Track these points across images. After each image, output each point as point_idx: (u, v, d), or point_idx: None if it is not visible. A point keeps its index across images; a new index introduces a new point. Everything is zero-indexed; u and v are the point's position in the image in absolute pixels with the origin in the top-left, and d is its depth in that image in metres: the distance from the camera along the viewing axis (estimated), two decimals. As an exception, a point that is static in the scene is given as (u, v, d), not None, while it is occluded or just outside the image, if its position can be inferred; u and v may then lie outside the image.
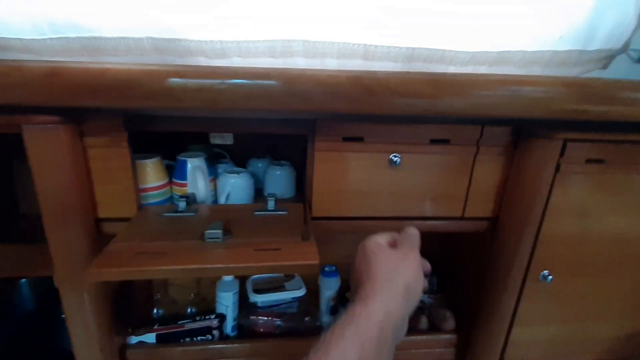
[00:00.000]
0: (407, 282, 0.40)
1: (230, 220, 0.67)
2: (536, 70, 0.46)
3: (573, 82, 0.44)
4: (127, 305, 0.87)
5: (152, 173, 0.74)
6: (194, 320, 0.87)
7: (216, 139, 0.72)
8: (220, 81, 0.40)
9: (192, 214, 0.69)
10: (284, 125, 0.70)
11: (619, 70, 0.54)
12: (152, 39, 0.41)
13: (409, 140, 0.69)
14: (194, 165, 0.75)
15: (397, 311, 0.37)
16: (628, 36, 0.45)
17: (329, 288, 0.93)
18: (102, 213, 0.68)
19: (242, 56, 0.43)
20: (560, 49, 0.43)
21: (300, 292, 0.91)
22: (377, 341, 0.34)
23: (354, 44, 0.41)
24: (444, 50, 0.42)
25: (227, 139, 0.71)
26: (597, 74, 0.53)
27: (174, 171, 0.78)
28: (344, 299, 0.94)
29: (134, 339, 0.83)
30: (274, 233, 0.63)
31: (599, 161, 0.68)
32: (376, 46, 0.41)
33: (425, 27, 0.40)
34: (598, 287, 0.79)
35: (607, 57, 0.49)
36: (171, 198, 0.78)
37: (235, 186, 0.80)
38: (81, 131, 0.62)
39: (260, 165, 0.94)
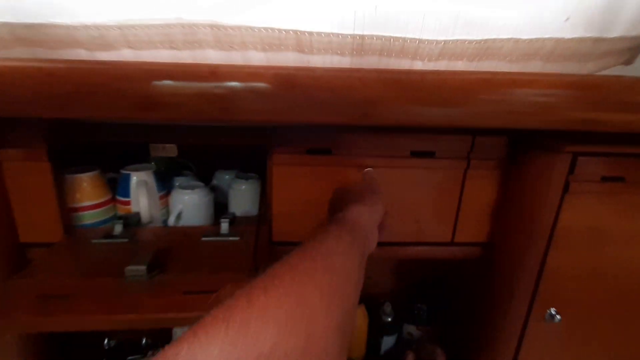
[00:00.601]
0: (362, 194, 0.43)
1: (170, 248, 0.56)
2: (534, 66, 0.35)
3: (584, 81, 0.32)
4: (73, 336, 0.77)
5: (88, 189, 0.64)
6: (145, 355, 0.76)
7: (157, 151, 0.61)
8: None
9: (127, 240, 0.58)
10: (237, 134, 0.59)
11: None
12: (8, 24, 0.31)
13: (386, 153, 0.58)
14: (139, 180, 0.65)
15: (364, 216, 0.38)
16: None
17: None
18: (24, 237, 0.59)
19: (132, 47, 0.32)
20: (567, 36, 0.31)
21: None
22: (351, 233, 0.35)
23: (282, 31, 0.30)
24: (406, 40, 0.31)
25: (170, 151, 0.61)
26: (618, 71, 0.40)
27: (118, 187, 0.67)
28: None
29: (75, 378, 0.73)
30: (216, 267, 0.52)
31: (619, 179, 0.56)
32: (312, 33, 0.30)
33: (380, 7, 0.29)
34: (619, 330, 0.66)
35: (632, 49, 0.37)
36: (114, 218, 0.68)
37: (188, 204, 0.69)
38: (-7, 143, 0.53)
39: (227, 177, 0.83)
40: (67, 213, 0.61)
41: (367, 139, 0.57)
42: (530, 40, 0.32)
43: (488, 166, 0.61)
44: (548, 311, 0.63)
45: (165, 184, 0.72)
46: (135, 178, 0.65)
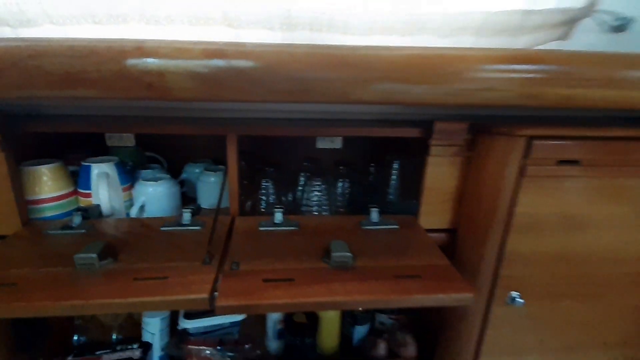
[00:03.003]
0: None
1: (127, 239, 0.55)
2: (465, 41, 0.35)
3: (515, 55, 0.32)
4: (40, 331, 0.75)
5: (48, 181, 0.63)
6: (113, 351, 0.75)
7: (114, 141, 0.61)
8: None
9: (84, 231, 0.57)
10: (196, 124, 0.59)
11: (588, 43, 0.42)
12: None
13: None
14: (100, 172, 0.64)
15: None
16: None
17: (275, 310, 0.81)
18: (-22, 230, 0.57)
19: (54, 23, 0.32)
20: (496, 9, 0.32)
21: (240, 316, 0.80)
22: None
23: (208, 6, 0.30)
24: (333, 15, 0.31)
25: (127, 140, 0.60)
26: (555, 46, 0.41)
27: (79, 179, 0.66)
28: (293, 324, 0.83)
29: (42, 373, 0.71)
30: (171, 255, 0.51)
31: (574, 162, 0.57)
32: (238, 10, 0.30)
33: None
34: (581, 311, 0.67)
35: (566, 23, 0.37)
36: (77, 210, 0.67)
37: (152, 196, 0.68)
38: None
39: (197, 170, 0.83)
40: (25, 205, 0.60)
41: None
42: (460, 15, 0.32)
43: (449, 152, 0.61)
44: (509, 294, 0.63)
45: (129, 176, 0.71)
46: (96, 170, 0.64)
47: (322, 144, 0.63)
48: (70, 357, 0.75)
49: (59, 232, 0.57)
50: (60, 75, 0.29)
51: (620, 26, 0.42)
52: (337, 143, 0.63)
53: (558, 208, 0.59)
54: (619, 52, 0.35)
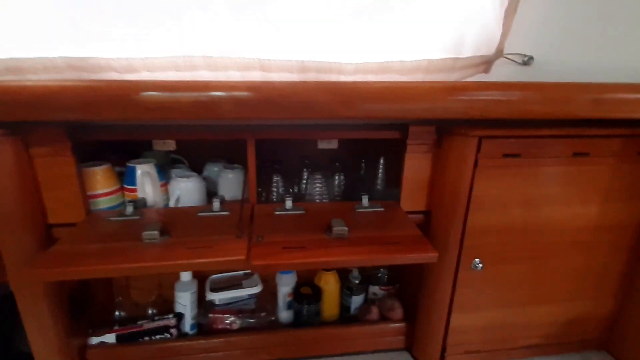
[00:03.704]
0: None
1: (173, 222, 0.71)
2: (419, 77, 0.52)
3: (451, 86, 0.49)
4: (88, 308, 0.90)
5: (101, 180, 0.78)
6: (152, 320, 0.91)
7: (159, 146, 0.76)
8: (137, 93, 0.45)
9: (138, 217, 0.73)
10: (222, 131, 0.75)
11: (509, 73, 0.59)
12: (66, 58, 0.45)
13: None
14: (143, 171, 0.79)
15: None
16: (497, 43, 0.50)
17: (285, 284, 0.97)
18: (52, 219, 0.72)
19: (150, 70, 0.47)
20: (435, 57, 0.48)
21: (257, 289, 0.95)
22: None
23: (250, 58, 0.46)
24: (331, 62, 0.47)
25: (169, 145, 0.76)
26: (483, 77, 0.58)
27: (125, 178, 0.82)
28: (300, 295, 0.98)
29: (94, 340, 0.86)
30: (211, 232, 0.67)
31: (516, 155, 0.74)
32: (270, 60, 0.46)
33: (315, 42, 0.45)
34: (530, 274, 0.85)
35: (484, 63, 0.55)
36: (123, 203, 0.82)
37: (185, 190, 0.84)
38: (26, 142, 0.66)
39: (215, 169, 0.98)
40: (87, 199, 0.75)
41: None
42: (412, 61, 0.48)
43: (421, 149, 0.77)
44: (473, 261, 0.81)
45: (163, 174, 0.87)
46: (140, 170, 0.80)
47: (322, 145, 0.79)
48: (116, 327, 0.90)
49: (119, 218, 0.72)
50: (155, 104, 0.45)
51: (526, 62, 0.59)
52: (333, 144, 0.79)
53: (504, 191, 0.76)
54: (521, 82, 0.52)
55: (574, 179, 0.77)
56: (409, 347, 0.96)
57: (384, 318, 0.98)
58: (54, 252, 0.60)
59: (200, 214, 0.75)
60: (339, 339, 0.95)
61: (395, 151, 0.83)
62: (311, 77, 0.49)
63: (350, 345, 0.96)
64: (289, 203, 0.78)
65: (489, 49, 0.52)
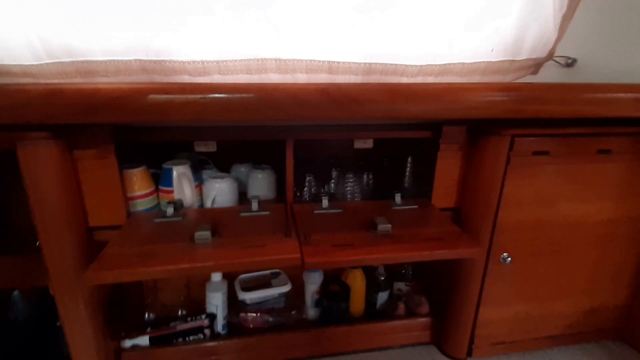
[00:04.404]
0: None
1: (217, 222, 0.72)
2: (475, 79, 0.54)
3: (508, 86, 0.51)
4: (120, 311, 0.90)
5: (138, 182, 0.78)
6: (186, 321, 0.91)
7: (200, 147, 0.77)
8: (201, 96, 0.46)
9: (180, 218, 0.73)
10: (259, 132, 0.76)
11: (552, 75, 0.63)
12: (140, 60, 0.46)
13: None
14: (180, 172, 0.80)
15: None
16: (551, 46, 0.54)
17: (312, 282, 0.99)
18: (93, 222, 0.72)
19: (221, 73, 0.48)
20: (493, 59, 0.51)
21: (286, 288, 0.97)
22: None
23: (320, 61, 0.48)
24: (396, 65, 0.49)
25: (210, 146, 0.77)
26: (530, 79, 0.61)
27: (161, 179, 0.82)
28: (327, 293, 1.00)
29: (128, 343, 0.86)
30: (258, 232, 0.68)
31: (545, 153, 0.77)
32: (338, 62, 0.48)
33: (380, 45, 0.47)
34: (554, 267, 0.88)
35: (535, 65, 0.58)
36: (158, 205, 0.83)
37: (220, 190, 0.85)
38: (70, 145, 0.66)
39: (242, 169, 0.99)
40: (127, 201, 0.75)
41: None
42: (472, 63, 0.51)
43: (453, 149, 0.80)
44: (502, 255, 0.84)
45: (195, 176, 0.87)
46: (176, 171, 0.80)
47: (358, 144, 0.81)
48: (149, 329, 0.90)
49: (162, 219, 0.73)
50: (223, 107, 0.46)
51: (570, 64, 0.62)
52: (369, 143, 0.82)
53: (533, 187, 0.79)
54: (567, 82, 0.55)
55: (597, 176, 0.81)
56: (435, 341, 0.99)
57: (410, 313, 1.00)
58: (110, 254, 0.60)
59: (242, 214, 0.76)
60: (367, 335, 0.97)
61: (423, 150, 0.85)
62: (374, 79, 0.51)
63: (379, 341, 0.98)
64: (325, 202, 0.80)
65: (543, 52, 0.55)
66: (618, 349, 0.97)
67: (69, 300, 0.72)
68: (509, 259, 0.84)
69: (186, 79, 0.49)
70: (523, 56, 0.53)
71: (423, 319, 0.98)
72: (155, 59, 0.45)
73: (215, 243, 0.63)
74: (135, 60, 0.46)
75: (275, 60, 0.47)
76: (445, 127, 0.77)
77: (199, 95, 0.46)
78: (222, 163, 1.00)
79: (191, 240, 0.63)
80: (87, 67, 0.45)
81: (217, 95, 0.47)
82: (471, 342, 0.93)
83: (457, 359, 0.94)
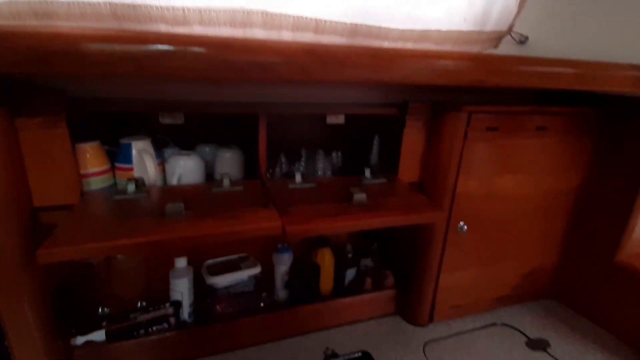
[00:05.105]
0: None
1: (188, 198, 0.68)
2: (448, 47, 0.59)
3: (475, 56, 0.57)
4: (70, 307, 0.80)
5: (92, 158, 0.71)
6: (147, 312, 0.84)
7: (165, 119, 0.71)
8: (183, 48, 0.43)
9: (144, 195, 0.68)
10: (230, 106, 0.73)
11: (507, 51, 0.70)
12: (111, 3, 0.41)
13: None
14: (140, 148, 0.74)
15: None
16: (511, 20, 0.61)
17: (282, 264, 0.98)
18: (39, 201, 0.64)
19: (203, 24, 0.46)
20: (464, 29, 0.56)
21: (256, 270, 0.95)
22: None
23: (307, 18, 0.48)
24: (380, 28, 0.51)
25: (177, 118, 0.72)
26: (490, 52, 0.68)
27: (118, 156, 0.75)
28: (297, 274, 1.00)
29: (80, 340, 0.77)
30: (234, 206, 0.66)
31: (495, 129, 0.86)
32: (325, 21, 0.48)
33: (365, 6, 0.49)
34: (501, 235, 0.99)
35: (498, 38, 0.64)
36: (115, 185, 0.75)
37: (186, 167, 0.80)
38: (12, 112, 0.57)
39: (207, 150, 0.94)
40: (81, 179, 0.67)
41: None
42: (446, 31, 0.55)
43: (418, 125, 0.86)
44: (459, 224, 0.91)
45: (157, 154, 0.81)
46: (136, 146, 0.74)
47: (330, 120, 0.82)
48: (104, 323, 0.82)
49: (123, 196, 0.67)
50: (205, 64, 0.44)
51: (523, 41, 0.71)
52: (340, 119, 0.83)
53: (486, 161, 0.88)
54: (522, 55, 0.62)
55: (537, 151, 0.92)
56: (400, 311, 1.05)
57: (376, 287, 1.05)
58: (66, 230, 0.53)
59: (215, 189, 0.72)
60: (337, 311, 0.99)
61: (390, 128, 0.90)
62: (358, 42, 0.52)
63: (348, 316, 1.01)
64: (298, 177, 0.80)
65: (504, 26, 0.61)
66: (551, 305, 1.12)
67: (11, 299, 0.62)
68: (465, 227, 0.92)
69: (162, 28, 0.45)
70: (489, 28, 0.59)
71: (388, 292, 1.03)
72: (129, 2, 0.41)
73: (190, 216, 0.60)
74: (106, 3, 0.41)
75: (262, 13, 0.46)
76: (411, 104, 0.82)
77: (180, 48, 0.43)
78: (185, 144, 0.94)
79: (161, 215, 0.59)
80: (45, 8, 0.39)
81: (196, 49, 0.45)
82: (432, 308, 1.00)
83: (420, 325, 1.00)
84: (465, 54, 0.55)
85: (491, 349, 0.93)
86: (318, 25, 0.49)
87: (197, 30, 0.46)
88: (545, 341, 0.96)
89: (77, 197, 0.65)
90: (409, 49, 0.54)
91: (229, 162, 0.89)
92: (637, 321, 0.93)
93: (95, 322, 0.83)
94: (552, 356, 0.91)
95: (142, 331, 0.82)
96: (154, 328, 0.83)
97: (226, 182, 0.75)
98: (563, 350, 0.93)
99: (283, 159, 0.88)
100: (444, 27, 0.55)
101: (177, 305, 0.87)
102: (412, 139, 0.86)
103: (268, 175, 0.87)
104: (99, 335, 0.79)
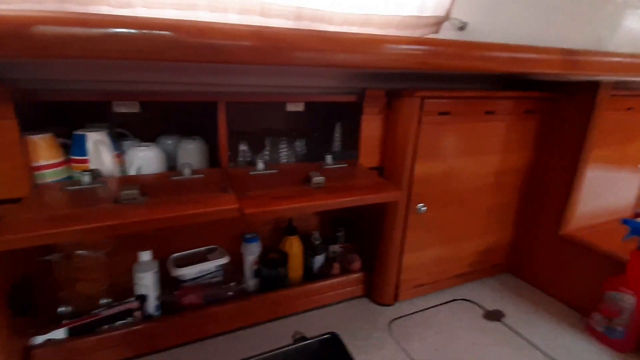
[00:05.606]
0: None
1: (146, 186, 0.68)
2: (391, 32, 0.62)
3: (418, 40, 0.61)
4: (27, 307, 0.78)
5: (44, 150, 0.69)
6: (111, 306, 0.83)
7: (120, 108, 0.71)
8: (127, 30, 0.43)
9: (100, 185, 0.67)
10: (187, 94, 0.73)
11: (447, 36, 0.75)
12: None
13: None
14: (96, 139, 0.73)
15: None
16: (448, 6, 0.65)
17: (251, 253, 0.99)
18: (-16, 195, 0.61)
19: (147, 7, 0.46)
20: (405, 14, 0.60)
21: (224, 260, 0.95)
22: None
23: (253, 1, 0.49)
24: (324, 11, 0.54)
25: (132, 107, 0.71)
26: (432, 37, 0.73)
27: (72, 148, 0.73)
28: (266, 261, 1.01)
29: (39, 339, 0.75)
30: (194, 191, 0.66)
31: (447, 113, 0.91)
32: (271, 4, 0.50)
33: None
34: (459, 214, 1.05)
35: (437, 23, 0.69)
36: (70, 178, 0.74)
37: (146, 159, 0.79)
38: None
39: (169, 142, 0.93)
40: (32, 171, 0.65)
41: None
42: (388, 16, 0.58)
43: (375, 112, 0.89)
44: (418, 206, 0.96)
45: (115, 146, 0.80)
46: (91, 138, 0.73)
47: (290, 107, 0.84)
48: (65, 321, 0.80)
49: (77, 187, 0.65)
50: (151, 47, 0.44)
51: (462, 27, 0.76)
52: (300, 107, 0.85)
53: (440, 144, 0.93)
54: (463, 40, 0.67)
55: (486, 134, 0.98)
56: (367, 293, 1.08)
57: (344, 271, 1.08)
58: (16, 218, 0.52)
59: (174, 177, 0.73)
60: (306, 296, 1.01)
61: (349, 115, 0.93)
62: (304, 25, 0.54)
63: (317, 300, 1.03)
64: (260, 165, 0.81)
65: (442, 12, 0.65)
66: (507, 279, 1.20)
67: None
68: (424, 208, 0.97)
69: (105, 10, 0.45)
70: (428, 13, 0.63)
71: (356, 275, 1.06)
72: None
73: (147, 203, 0.60)
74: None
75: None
76: (368, 91, 0.85)
77: (125, 30, 0.44)
78: (147, 136, 0.93)
79: (116, 202, 0.59)
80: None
81: (156, 32, 0.45)
82: (397, 288, 1.04)
83: (386, 304, 1.05)
84: (407, 38, 0.58)
85: (451, 322, 0.98)
86: (264, 8, 0.50)
87: (141, 12, 0.46)
88: (501, 312, 1.02)
89: (27, 190, 0.64)
90: (355, 32, 0.57)
91: (191, 153, 0.89)
92: (580, 288, 1.02)
93: (56, 321, 0.81)
94: (506, 325, 0.98)
95: (105, 326, 0.81)
96: (119, 323, 0.82)
97: (187, 171, 0.75)
98: (516, 319, 1.00)
99: (244, 147, 0.89)
100: (386, 12, 0.59)
101: (143, 298, 0.86)
102: (371, 125, 0.90)
103: (231, 164, 0.88)
104: (59, 334, 0.77)
